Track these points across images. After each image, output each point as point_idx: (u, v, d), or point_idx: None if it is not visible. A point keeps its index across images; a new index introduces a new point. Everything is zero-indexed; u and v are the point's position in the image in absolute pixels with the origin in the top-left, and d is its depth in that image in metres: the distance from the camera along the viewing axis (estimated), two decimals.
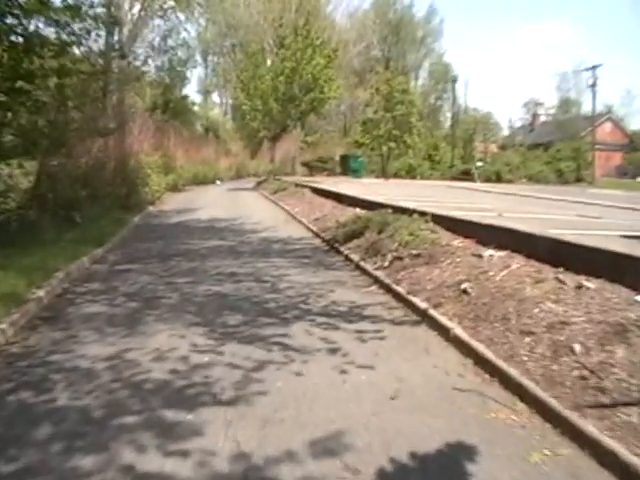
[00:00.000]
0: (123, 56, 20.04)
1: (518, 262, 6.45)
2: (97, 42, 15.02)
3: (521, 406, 4.03)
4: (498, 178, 42.60)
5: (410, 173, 42.98)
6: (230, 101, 59.86)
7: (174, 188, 27.05)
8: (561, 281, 5.55)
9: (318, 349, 5.23)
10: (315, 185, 22.09)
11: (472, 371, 4.68)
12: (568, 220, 10.83)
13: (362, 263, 8.72)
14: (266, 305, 6.80)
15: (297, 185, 23.69)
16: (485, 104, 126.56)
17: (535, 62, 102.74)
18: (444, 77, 62.17)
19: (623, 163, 58.62)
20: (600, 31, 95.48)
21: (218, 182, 37.05)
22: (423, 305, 6.15)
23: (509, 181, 42.31)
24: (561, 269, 6.01)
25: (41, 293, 6.85)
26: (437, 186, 29.70)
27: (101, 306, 6.85)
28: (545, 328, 4.69)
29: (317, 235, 12.45)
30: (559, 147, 50.51)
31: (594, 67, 48.45)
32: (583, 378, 3.99)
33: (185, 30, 31.25)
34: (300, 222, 14.90)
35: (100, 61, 17.52)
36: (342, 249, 10.14)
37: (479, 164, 45.55)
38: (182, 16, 30.12)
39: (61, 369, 4.74)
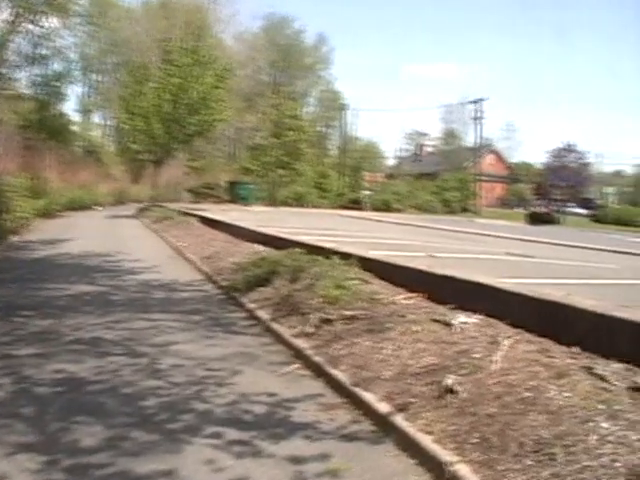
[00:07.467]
0: None
1: (508, 335, 4.56)
2: None
3: None
4: (387, 207, 42.03)
5: (299, 201, 41.54)
6: (112, 123, 56.12)
7: (47, 214, 23.84)
8: (598, 375, 3.68)
9: None
10: (203, 214, 19.71)
11: None
12: (512, 262, 9.28)
13: (275, 325, 6.44)
14: (143, 403, 4.46)
15: (183, 213, 21.20)
16: (372, 134, 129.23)
17: (421, 97, 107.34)
18: (333, 105, 61.56)
19: (505, 194, 60.72)
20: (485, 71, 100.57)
21: (99, 208, 33.73)
22: (383, 407, 4.01)
23: (398, 210, 41.88)
24: (576, 349, 4.21)
25: None
26: (330, 215, 28.50)
27: None
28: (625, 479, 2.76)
29: (209, 278, 10.09)
30: (445, 177, 51.23)
31: (478, 100, 49.70)
32: None
33: (60, 37, 27.74)
34: (188, 260, 12.44)
35: None
36: (244, 300, 7.82)
37: (366, 192, 45.03)
38: (56, 22, 27.06)
39: None
